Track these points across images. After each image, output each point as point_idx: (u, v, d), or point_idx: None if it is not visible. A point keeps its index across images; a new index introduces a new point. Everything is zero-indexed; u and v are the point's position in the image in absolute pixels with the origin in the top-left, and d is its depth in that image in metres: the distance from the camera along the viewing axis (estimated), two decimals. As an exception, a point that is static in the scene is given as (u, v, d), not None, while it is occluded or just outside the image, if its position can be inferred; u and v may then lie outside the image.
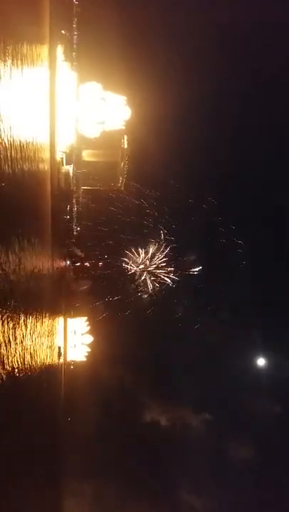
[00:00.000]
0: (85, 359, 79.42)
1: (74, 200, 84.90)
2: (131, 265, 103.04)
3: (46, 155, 30.97)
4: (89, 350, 79.74)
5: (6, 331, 11.76)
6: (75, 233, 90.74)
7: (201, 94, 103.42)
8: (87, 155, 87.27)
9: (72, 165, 71.22)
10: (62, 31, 63.54)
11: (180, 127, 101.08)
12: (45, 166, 29.91)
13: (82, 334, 79.58)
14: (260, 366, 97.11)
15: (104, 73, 78.04)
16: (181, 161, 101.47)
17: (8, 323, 12.03)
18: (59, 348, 43.62)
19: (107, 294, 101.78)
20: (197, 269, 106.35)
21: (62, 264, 66.13)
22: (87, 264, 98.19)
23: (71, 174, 71.84)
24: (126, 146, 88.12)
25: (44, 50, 31.30)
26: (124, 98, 76.71)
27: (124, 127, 79.96)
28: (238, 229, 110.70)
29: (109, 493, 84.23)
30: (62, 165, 61.57)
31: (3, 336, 11.50)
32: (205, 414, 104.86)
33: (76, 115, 69.29)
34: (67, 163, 66.09)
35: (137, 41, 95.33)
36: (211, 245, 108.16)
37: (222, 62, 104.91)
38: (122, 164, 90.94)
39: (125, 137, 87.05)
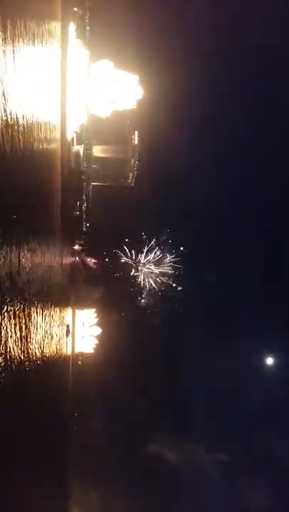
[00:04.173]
0: (92, 351, 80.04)
1: (84, 196, 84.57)
2: (139, 266, 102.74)
3: (57, 134, 30.91)
4: (97, 342, 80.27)
5: (16, 319, 12.01)
6: (84, 229, 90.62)
7: (215, 75, 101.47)
8: (97, 151, 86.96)
9: (82, 145, 70.83)
10: (75, 8, 62.51)
11: (195, 110, 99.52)
12: (55, 146, 29.88)
13: (91, 326, 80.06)
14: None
15: (117, 52, 77.04)
16: (195, 146, 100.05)
17: (18, 312, 12.26)
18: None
19: (117, 300, 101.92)
20: (210, 276, 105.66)
21: (72, 256, 66.15)
22: (97, 268, 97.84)
23: (81, 154, 71.53)
24: (136, 143, 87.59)
25: (56, 27, 30.97)
26: (137, 77, 75.58)
27: (135, 107, 79.01)
28: (251, 229, 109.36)
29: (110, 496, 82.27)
30: (73, 145, 61.25)
31: (14, 326, 11.75)
32: (212, 415, 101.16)
33: (87, 94, 68.57)
34: (78, 144, 65.74)
35: (150, 20, 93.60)
36: (223, 244, 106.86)
37: (238, 40, 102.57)
38: (133, 161, 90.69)
39: (136, 133, 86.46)
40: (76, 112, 58.75)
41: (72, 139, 58.87)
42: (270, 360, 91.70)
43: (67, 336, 43.82)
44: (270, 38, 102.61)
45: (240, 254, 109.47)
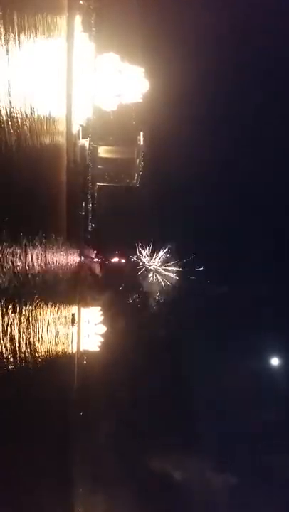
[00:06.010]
0: (98, 349, 79.97)
1: (89, 196, 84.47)
2: (146, 268, 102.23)
3: (62, 128, 30.93)
4: (102, 340, 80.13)
5: (23, 316, 12.09)
6: (90, 229, 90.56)
7: (223, 70, 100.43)
8: (103, 151, 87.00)
9: (88, 139, 70.76)
10: (81, 1, 62.27)
11: (202, 106, 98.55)
12: (61, 139, 29.91)
13: (96, 324, 79.93)
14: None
15: (123, 44, 76.72)
16: (202, 143, 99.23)
17: (24, 309, 12.33)
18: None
19: (123, 303, 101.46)
20: (221, 287, 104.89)
21: (78, 256, 66.17)
22: (103, 273, 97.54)
23: (87, 148, 71.47)
24: (142, 143, 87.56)
25: (62, 20, 30.93)
26: (143, 70, 75.19)
27: (141, 100, 78.66)
28: (256, 228, 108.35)
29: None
30: (79, 138, 61.13)
31: (22, 322, 11.83)
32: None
33: (93, 87, 68.38)
34: (84, 137, 65.63)
35: (157, 12, 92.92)
36: (228, 245, 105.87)
37: (246, 33, 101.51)
38: (138, 161, 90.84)
39: (141, 133, 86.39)
40: (82, 105, 58.62)
41: (78, 132, 58.79)
42: (277, 363, 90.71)
43: (72, 325, 44.17)
44: (279, 31, 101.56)
45: (246, 256, 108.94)
